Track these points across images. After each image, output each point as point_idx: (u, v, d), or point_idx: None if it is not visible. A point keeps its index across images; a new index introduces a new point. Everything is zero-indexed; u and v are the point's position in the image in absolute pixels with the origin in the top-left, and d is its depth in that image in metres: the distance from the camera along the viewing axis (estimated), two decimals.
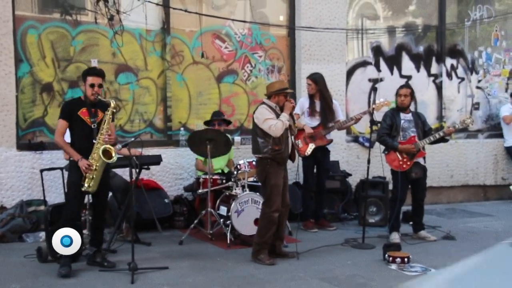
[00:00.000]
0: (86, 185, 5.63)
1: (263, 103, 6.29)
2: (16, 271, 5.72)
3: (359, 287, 5.36)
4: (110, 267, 5.77)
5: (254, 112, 6.28)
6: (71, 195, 5.76)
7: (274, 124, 6.02)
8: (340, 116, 7.86)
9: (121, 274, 5.55)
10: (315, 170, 7.85)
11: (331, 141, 7.78)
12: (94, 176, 5.64)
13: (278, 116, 6.14)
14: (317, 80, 7.66)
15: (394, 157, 7.05)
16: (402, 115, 7.12)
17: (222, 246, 6.75)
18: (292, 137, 6.41)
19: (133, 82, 8.12)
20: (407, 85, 7.47)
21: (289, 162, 6.43)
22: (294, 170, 7.91)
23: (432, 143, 7.15)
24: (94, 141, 5.72)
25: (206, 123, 7.85)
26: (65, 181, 6.00)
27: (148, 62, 8.20)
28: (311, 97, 7.71)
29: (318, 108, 7.70)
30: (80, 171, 5.63)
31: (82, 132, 5.74)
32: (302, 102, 7.86)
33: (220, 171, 7.72)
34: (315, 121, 7.71)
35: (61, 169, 6.87)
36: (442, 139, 7.17)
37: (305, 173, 7.80)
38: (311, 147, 7.64)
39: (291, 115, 6.22)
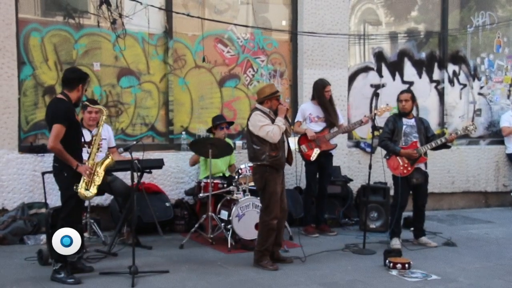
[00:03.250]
0: (85, 190, 5.47)
1: (256, 109, 6.23)
2: (16, 273, 5.72)
3: None
4: (88, 271, 5.72)
5: (248, 119, 6.22)
6: (75, 202, 5.56)
7: (271, 130, 5.98)
8: (341, 120, 7.88)
9: (122, 277, 5.54)
10: (317, 176, 7.85)
11: (335, 146, 7.79)
12: (96, 182, 5.54)
13: (272, 120, 6.11)
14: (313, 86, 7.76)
15: (395, 163, 7.05)
16: (405, 120, 7.13)
17: (222, 250, 6.75)
18: (288, 139, 6.39)
19: (135, 86, 8.13)
20: (407, 90, 7.45)
21: (289, 166, 6.42)
22: (296, 176, 7.93)
23: (434, 149, 7.15)
24: (85, 145, 5.74)
25: (209, 129, 7.86)
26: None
27: (150, 66, 8.21)
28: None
29: (322, 113, 7.70)
30: (76, 178, 5.48)
31: (77, 137, 5.65)
32: (303, 109, 7.87)
33: (220, 174, 7.73)
34: (319, 127, 7.71)
35: None
36: (445, 146, 7.17)
37: (308, 178, 7.80)
38: (316, 152, 7.64)
39: (285, 117, 6.20)
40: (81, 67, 7.68)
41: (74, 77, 5.68)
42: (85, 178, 5.48)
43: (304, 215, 7.86)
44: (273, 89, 6.27)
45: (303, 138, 7.73)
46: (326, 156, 7.74)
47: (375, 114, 7.53)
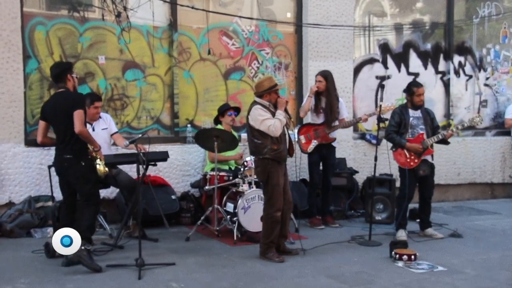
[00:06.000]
0: (103, 167, 5.90)
1: (256, 102, 6.19)
2: (24, 266, 5.75)
3: (365, 284, 5.36)
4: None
5: (248, 113, 6.19)
6: (98, 188, 6.14)
7: (272, 124, 5.96)
8: (345, 114, 7.84)
9: (128, 270, 5.57)
10: (321, 167, 7.85)
11: (334, 139, 7.77)
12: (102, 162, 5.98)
13: (272, 113, 6.08)
14: (327, 77, 7.66)
15: (402, 155, 7.04)
16: (411, 112, 7.09)
17: (228, 243, 6.77)
18: (289, 131, 6.37)
19: (140, 79, 8.14)
20: (421, 84, 7.30)
21: (291, 158, 6.41)
22: (299, 167, 7.91)
23: (436, 142, 7.13)
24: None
25: (216, 119, 7.86)
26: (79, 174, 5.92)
27: (155, 59, 8.22)
28: (318, 94, 7.69)
29: (323, 105, 7.69)
30: (92, 165, 5.88)
31: (85, 124, 5.94)
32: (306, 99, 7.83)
33: (227, 167, 7.73)
34: (320, 119, 7.71)
35: None
36: (444, 141, 7.14)
37: (310, 170, 7.80)
38: (313, 144, 7.65)
39: (285, 110, 6.17)
40: (86, 60, 7.78)
41: (61, 71, 5.97)
42: (100, 157, 5.91)
43: (309, 207, 7.87)
44: (272, 82, 6.21)
45: (302, 129, 7.73)
46: (327, 148, 7.74)
47: (373, 113, 7.64)
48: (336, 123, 7.67)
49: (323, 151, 7.72)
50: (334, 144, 7.81)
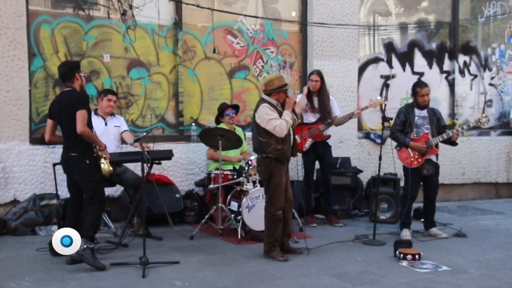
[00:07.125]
0: (108, 166, 5.89)
1: (263, 100, 6.17)
2: (28, 264, 5.77)
3: (369, 284, 5.36)
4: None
5: (255, 111, 6.18)
6: (102, 187, 6.05)
7: (279, 125, 5.94)
8: (337, 111, 7.83)
9: (133, 268, 5.58)
10: (317, 166, 7.86)
11: (328, 136, 7.77)
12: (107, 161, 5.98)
13: (280, 113, 6.07)
14: (322, 76, 7.69)
15: (406, 154, 7.03)
16: (417, 112, 7.08)
17: (232, 241, 6.77)
18: (293, 131, 6.37)
19: (145, 77, 8.15)
20: (425, 83, 7.28)
21: (294, 158, 6.41)
22: (297, 167, 7.91)
23: (444, 143, 7.11)
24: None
25: (217, 118, 7.85)
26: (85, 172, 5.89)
27: (160, 57, 8.23)
28: (310, 93, 7.70)
29: (316, 104, 7.70)
30: (97, 163, 5.87)
31: (90, 124, 5.90)
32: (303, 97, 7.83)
33: (231, 167, 7.72)
34: (313, 118, 7.72)
35: None
36: (450, 142, 7.12)
37: (305, 168, 7.81)
38: (309, 142, 7.67)
39: (292, 111, 6.16)
40: (91, 58, 7.78)
41: (69, 69, 5.94)
42: (105, 156, 5.89)
43: (305, 205, 7.86)
44: (282, 82, 6.21)
45: (296, 129, 7.73)
46: (323, 146, 7.75)
47: (366, 107, 7.61)
48: (329, 120, 7.67)
49: (319, 149, 7.73)
50: (330, 143, 7.82)
